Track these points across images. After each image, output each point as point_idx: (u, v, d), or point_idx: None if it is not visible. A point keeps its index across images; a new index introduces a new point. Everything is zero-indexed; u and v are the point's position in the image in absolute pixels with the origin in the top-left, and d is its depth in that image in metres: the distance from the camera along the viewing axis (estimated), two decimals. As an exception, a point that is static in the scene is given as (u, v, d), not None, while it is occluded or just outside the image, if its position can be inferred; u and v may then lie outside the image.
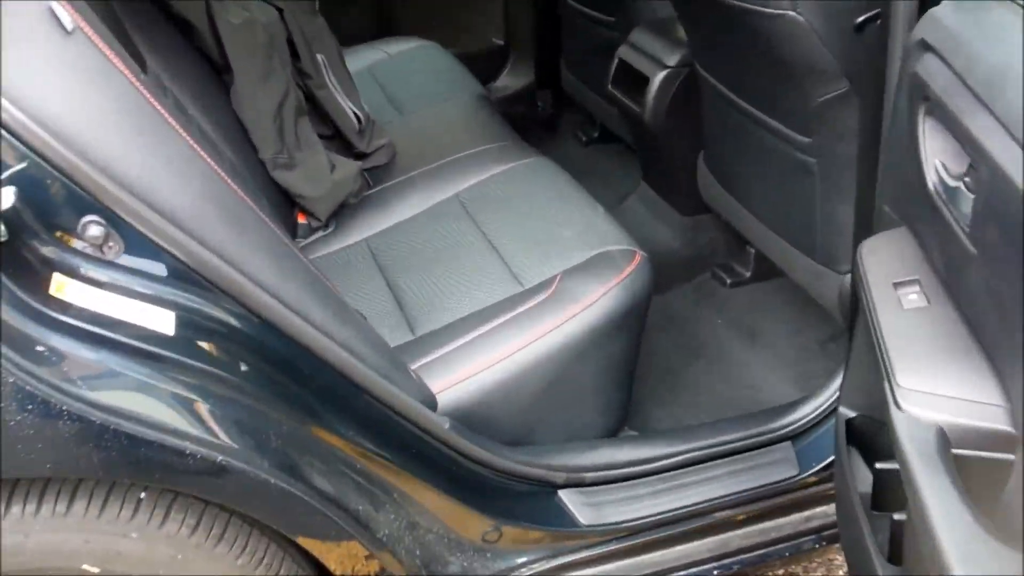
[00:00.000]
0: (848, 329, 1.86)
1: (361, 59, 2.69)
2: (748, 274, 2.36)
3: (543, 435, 1.60)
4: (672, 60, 2.22)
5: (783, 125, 1.78)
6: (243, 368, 1.16)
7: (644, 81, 2.26)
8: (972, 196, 0.98)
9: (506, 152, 2.09)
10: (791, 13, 1.55)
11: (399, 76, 2.60)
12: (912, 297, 1.12)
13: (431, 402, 1.43)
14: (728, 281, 2.36)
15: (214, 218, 1.15)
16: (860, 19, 1.50)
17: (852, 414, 1.49)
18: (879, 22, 1.49)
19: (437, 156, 2.10)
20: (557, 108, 3.19)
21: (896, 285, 1.15)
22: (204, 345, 1.13)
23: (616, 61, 2.39)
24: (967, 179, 0.99)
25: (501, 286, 1.68)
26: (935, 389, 1.02)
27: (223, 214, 1.17)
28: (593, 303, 1.58)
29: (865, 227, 1.66)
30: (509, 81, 3.14)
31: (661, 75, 2.22)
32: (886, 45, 1.48)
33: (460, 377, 1.50)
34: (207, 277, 1.11)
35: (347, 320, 1.30)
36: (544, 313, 1.57)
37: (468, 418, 1.48)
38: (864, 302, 1.18)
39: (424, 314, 1.67)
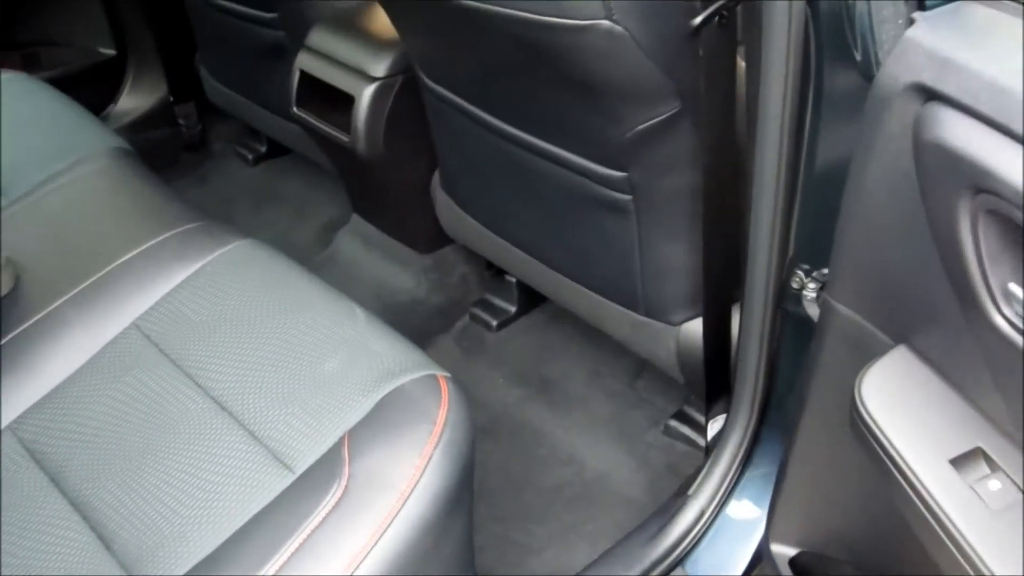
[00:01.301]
0: (702, 396, 1.50)
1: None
2: (514, 308, 1.93)
3: None
4: (380, 69, 1.68)
5: (583, 157, 1.33)
6: None
7: (346, 100, 1.71)
8: None
9: (190, 241, 1.44)
10: (605, 23, 1.08)
11: (-15, 135, 1.81)
12: (995, 488, 0.73)
13: None
14: (494, 323, 1.92)
15: None
16: (699, 20, 1.08)
17: (791, 551, 1.13)
18: (719, 20, 1.09)
19: (89, 267, 1.41)
20: (205, 123, 2.51)
21: (956, 465, 0.75)
22: None
23: (297, 75, 1.81)
24: None
25: (259, 476, 1.10)
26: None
27: None
28: (414, 486, 1.07)
29: (718, 275, 1.30)
30: (134, 101, 2.39)
31: (369, 91, 1.68)
32: (729, 48, 1.11)
33: None
34: None
35: None
36: (347, 526, 1.03)
37: None
38: (905, 482, 0.78)
39: (148, 553, 1.06)
